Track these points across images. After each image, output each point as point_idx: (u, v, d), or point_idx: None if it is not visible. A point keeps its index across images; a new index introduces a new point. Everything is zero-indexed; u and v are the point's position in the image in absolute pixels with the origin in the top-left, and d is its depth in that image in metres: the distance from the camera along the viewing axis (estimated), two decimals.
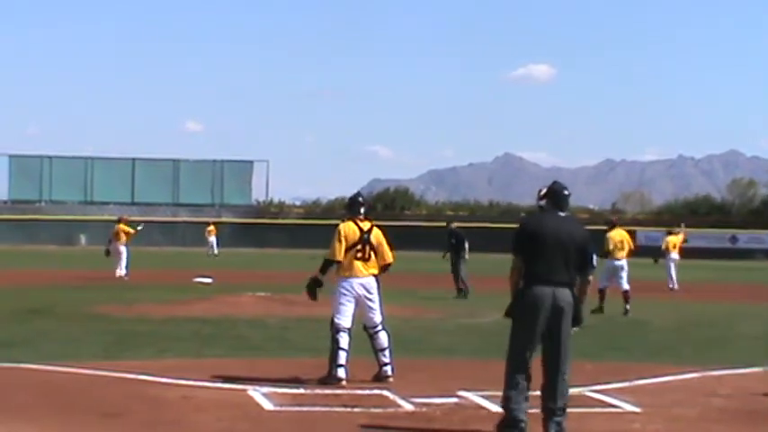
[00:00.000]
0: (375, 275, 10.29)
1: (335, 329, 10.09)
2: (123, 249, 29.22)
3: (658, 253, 32.47)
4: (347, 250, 10.16)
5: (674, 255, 29.04)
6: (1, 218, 64.87)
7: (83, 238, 65.71)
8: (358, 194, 10.72)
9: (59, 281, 27.53)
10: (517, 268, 7.77)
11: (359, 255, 10.17)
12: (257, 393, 9.36)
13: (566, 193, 7.95)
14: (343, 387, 9.77)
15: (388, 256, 10.40)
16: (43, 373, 10.55)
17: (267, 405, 8.88)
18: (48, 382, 9.99)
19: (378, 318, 10.28)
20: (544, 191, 8.01)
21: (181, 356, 12.20)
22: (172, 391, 9.50)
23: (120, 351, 12.52)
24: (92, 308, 18.55)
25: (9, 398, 9.05)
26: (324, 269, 10.31)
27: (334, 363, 10.00)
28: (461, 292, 23.26)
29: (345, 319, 10.12)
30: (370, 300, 10.21)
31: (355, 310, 10.22)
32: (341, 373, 9.95)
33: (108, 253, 29.97)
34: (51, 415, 8.34)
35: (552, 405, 7.55)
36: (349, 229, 10.24)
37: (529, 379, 7.59)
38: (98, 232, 66.39)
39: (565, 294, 7.63)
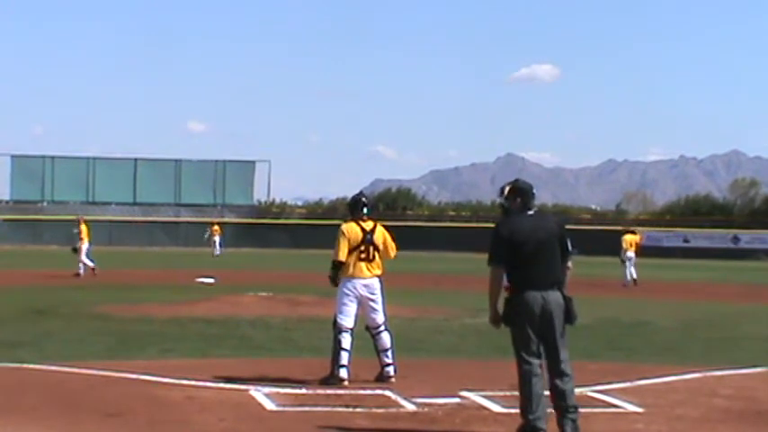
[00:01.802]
0: (378, 276, 10.28)
1: (338, 330, 10.10)
2: (86, 246, 30.17)
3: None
4: (350, 251, 10.14)
5: (630, 253, 30.30)
6: (3, 218, 64.94)
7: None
8: (360, 195, 10.58)
9: (62, 281, 27.57)
10: (497, 278, 7.66)
11: (362, 256, 10.14)
12: (259, 393, 9.38)
13: (532, 191, 7.81)
14: (345, 387, 9.78)
15: (392, 250, 10.36)
16: (47, 373, 10.58)
17: (269, 405, 8.89)
18: (52, 382, 10.01)
19: (380, 318, 10.28)
20: (508, 189, 7.86)
21: (184, 356, 12.23)
22: (175, 391, 9.52)
23: (124, 351, 12.55)
24: (95, 308, 18.58)
25: (14, 398, 9.07)
26: (334, 274, 10.24)
27: (336, 363, 10.00)
28: None
29: (348, 319, 10.12)
30: (372, 301, 10.21)
31: (358, 310, 10.22)
32: (343, 373, 9.96)
33: (76, 250, 30.30)
34: (55, 415, 8.36)
35: (563, 404, 7.53)
36: (352, 230, 10.20)
37: (542, 382, 7.55)
38: (100, 233, 66.57)
39: (554, 296, 7.59)
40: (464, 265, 40.84)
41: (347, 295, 10.15)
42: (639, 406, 9.09)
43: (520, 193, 7.80)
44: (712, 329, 16.87)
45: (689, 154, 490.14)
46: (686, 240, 67.17)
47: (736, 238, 67.18)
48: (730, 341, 15.07)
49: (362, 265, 10.15)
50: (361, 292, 10.16)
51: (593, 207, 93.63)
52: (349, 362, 10.02)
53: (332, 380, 9.95)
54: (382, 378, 10.13)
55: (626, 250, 30.40)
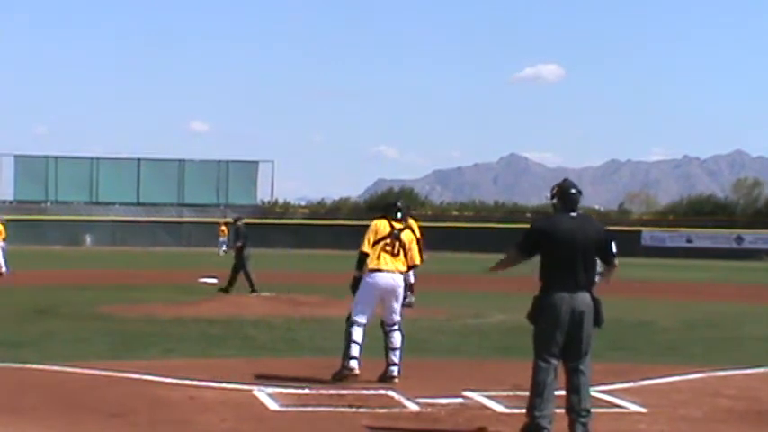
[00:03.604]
0: (402, 272, 10.21)
1: (350, 323, 10.10)
2: (2, 244, 30.19)
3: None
4: (376, 242, 10.12)
5: None
6: (6, 218, 64.98)
7: (88, 239, 65.85)
8: (398, 202, 10.73)
9: (65, 281, 27.57)
10: (513, 258, 7.76)
11: (387, 248, 10.12)
12: (262, 393, 9.37)
13: (572, 191, 7.77)
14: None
15: (417, 257, 10.38)
16: (50, 373, 10.57)
17: (272, 405, 8.89)
18: (53, 382, 10.00)
19: (396, 317, 10.23)
20: (555, 189, 7.87)
21: (186, 357, 12.22)
22: (177, 391, 9.51)
23: (127, 351, 12.54)
24: (98, 308, 18.58)
25: (16, 398, 9.07)
26: (360, 264, 10.23)
27: (346, 355, 10.00)
28: (230, 287, 22.90)
29: (361, 314, 10.10)
30: (392, 297, 10.16)
31: (375, 305, 10.17)
32: (352, 363, 9.96)
33: None
34: (58, 415, 8.36)
35: (577, 407, 7.51)
36: (380, 224, 10.23)
37: (555, 383, 7.54)
38: (103, 232, 66.78)
39: (583, 298, 7.56)
40: (466, 266, 40.84)
41: (366, 289, 10.11)
42: (642, 406, 9.08)
43: (561, 193, 7.80)
44: (715, 330, 16.85)
45: (692, 154, 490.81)
46: (689, 240, 67.15)
47: (739, 239, 67.15)
48: (733, 341, 15.05)
49: (386, 257, 10.10)
50: (383, 287, 10.08)
51: (597, 207, 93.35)
52: (360, 354, 10.00)
53: (342, 372, 9.94)
54: (385, 378, 10.11)
55: None
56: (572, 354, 7.58)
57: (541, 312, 7.57)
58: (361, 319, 10.11)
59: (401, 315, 10.36)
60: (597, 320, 7.66)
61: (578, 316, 7.52)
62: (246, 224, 25.86)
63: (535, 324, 7.65)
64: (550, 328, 7.52)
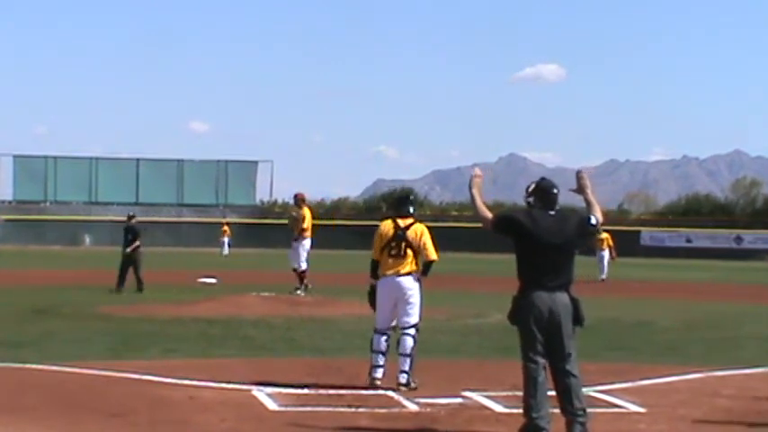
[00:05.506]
0: (412, 273, 9.97)
1: (374, 330, 10.08)
2: None
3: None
4: (383, 248, 9.99)
5: (605, 252, 32.81)
6: (6, 218, 64.99)
7: (87, 239, 65.83)
8: (408, 193, 10.55)
9: (64, 281, 27.57)
10: (483, 218, 7.82)
11: (392, 252, 9.94)
12: (261, 393, 9.38)
13: (554, 191, 7.76)
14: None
15: (431, 253, 10.06)
16: (49, 373, 10.58)
17: (271, 405, 8.90)
18: (53, 382, 10.02)
19: (408, 320, 9.96)
20: (532, 187, 7.84)
21: (186, 357, 12.23)
22: (177, 391, 9.53)
23: (126, 351, 12.55)
24: (97, 308, 18.58)
25: (16, 398, 9.08)
26: (373, 271, 10.09)
27: (370, 364, 9.96)
28: (141, 285, 23.49)
29: (379, 320, 10.03)
30: (405, 300, 9.94)
31: (390, 309, 9.99)
32: (374, 373, 9.89)
33: None
34: (58, 415, 8.37)
35: (571, 408, 7.51)
36: (384, 227, 10.06)
37: (546, 381, 7.54)
38: (103, 232, 66.72)
39: (561, 298, 7.56)
40: (466, 266, 40.78)
41: (380, 295, 10.01)
42: (642, 406, 9.09)
43: (538, 191, 7.78)
44: (714, 330, 16.86)
45: (691, 154, 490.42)
46: (689, 240, 67.14)
47: (739, 239, 67.13)
48: (732, 341, 15.06)
49: (389, 261, 9.94)
50: (394, 290, 9.94)
51: None
52: (384, 363, 9.89)
53: (369, 380, 9.88)
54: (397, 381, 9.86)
55: (601, 249, 32.69)
56: (556, 355, 7.56)
57: (520, 312, 7.58)
58: (379, 324, 10.02)
59: (419, 317, 10.02)
60: (577, 320, 7.64)
61: (557, 316, 7.51)
62: (140, 222, 26.40)
63: (516, 324, 7.66)
64: (530, 328, 7.52)
